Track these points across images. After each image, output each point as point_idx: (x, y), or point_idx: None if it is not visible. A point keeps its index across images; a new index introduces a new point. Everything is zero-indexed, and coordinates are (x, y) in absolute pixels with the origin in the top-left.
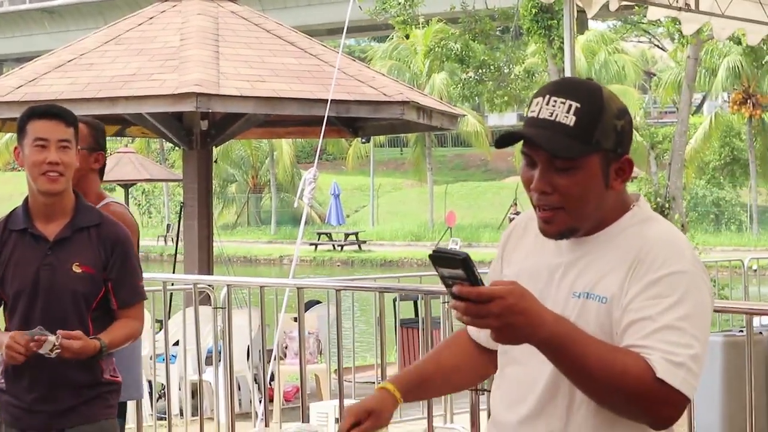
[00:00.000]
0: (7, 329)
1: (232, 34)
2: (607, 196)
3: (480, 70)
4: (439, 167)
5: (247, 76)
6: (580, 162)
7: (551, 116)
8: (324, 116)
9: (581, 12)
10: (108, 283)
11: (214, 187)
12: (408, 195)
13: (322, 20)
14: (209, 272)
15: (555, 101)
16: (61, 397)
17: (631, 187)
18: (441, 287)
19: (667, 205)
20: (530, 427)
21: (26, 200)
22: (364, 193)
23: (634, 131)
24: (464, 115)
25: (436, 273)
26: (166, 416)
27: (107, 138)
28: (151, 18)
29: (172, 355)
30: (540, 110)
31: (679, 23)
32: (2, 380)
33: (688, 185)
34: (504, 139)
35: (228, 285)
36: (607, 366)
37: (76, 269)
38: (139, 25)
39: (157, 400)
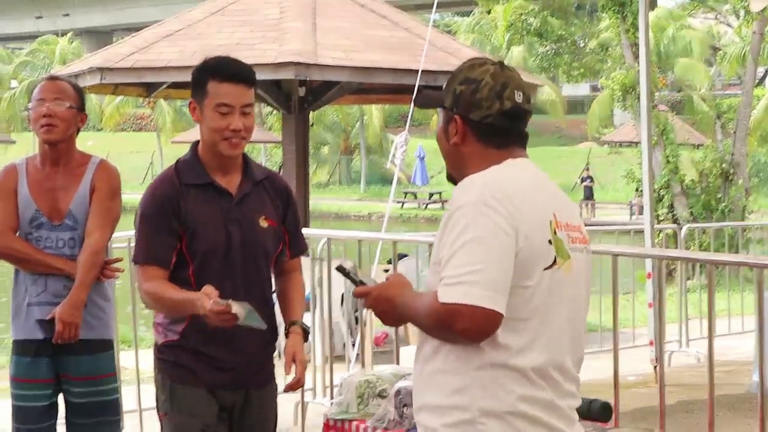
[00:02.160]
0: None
1: (329, 8)
2: (456, 152)
3: (557, 44)
4: None
5: (343, 47)
6: (441, 116)
7: None
8: (414, 85)
9: None
10: (285, 235)
11: (309, 148)
12: None
13: None
14: (305, 226)
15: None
16: (253, 357)
17: (697, 154)
18: None
19: (731, 171)
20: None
21: (195, 152)
22: None
23: (701, 101)
24: (542, 85)
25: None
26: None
27: None
28: None
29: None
30: None
31: (746, 1)
32: (177, 336)
33: (751, 153)
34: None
35: (328, 238)
36: (424, 314)
37: (263, 223)
38: None
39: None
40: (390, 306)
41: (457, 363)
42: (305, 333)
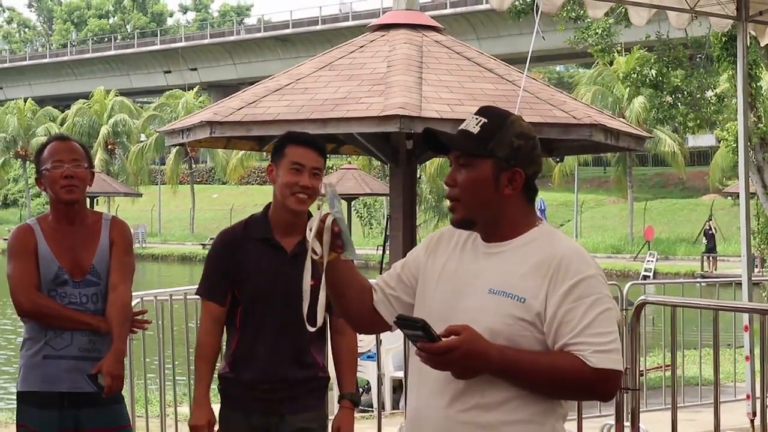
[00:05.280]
0: (237, 331)
1: (434, 62)
2: (501, 202)
3: (674, 95)
4: (640, 185)
5: (447, 100)
6: (475, 161)
7: (465, 127)
8: None
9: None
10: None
11: (430, 200)
12: (610, 210)
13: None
14: None
15: (473, 118)
16: (286, 382)
17: None
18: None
19: None
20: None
21: (266, 211)
22: (568, 208)
23: None
24: (651, 137)
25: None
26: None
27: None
28: (361, 47)
29: (373, 353)
30: (464, 124)
31: None
32: (227, 367)
33: None
34: (424, 138)
35: None
36: (550, 374)
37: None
38: (351, 52)
39: (361, 395)
40: (475, 362)
41: (542, 415)
42: (355, 404)
